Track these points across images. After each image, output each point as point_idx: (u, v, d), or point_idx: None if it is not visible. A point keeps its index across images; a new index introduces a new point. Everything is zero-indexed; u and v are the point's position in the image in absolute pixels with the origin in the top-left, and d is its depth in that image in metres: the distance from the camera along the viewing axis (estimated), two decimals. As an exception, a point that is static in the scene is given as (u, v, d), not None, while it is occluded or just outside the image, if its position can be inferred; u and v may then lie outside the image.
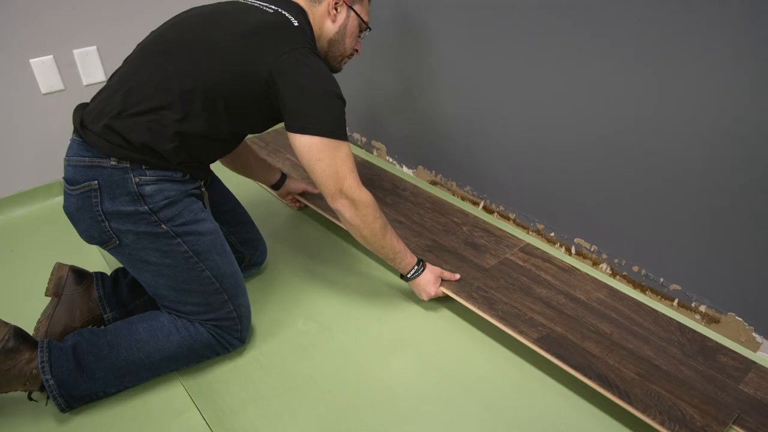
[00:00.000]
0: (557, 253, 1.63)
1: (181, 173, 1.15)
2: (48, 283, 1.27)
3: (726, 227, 1.24)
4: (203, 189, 1.24)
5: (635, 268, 1.47)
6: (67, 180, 1.12)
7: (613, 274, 1.53)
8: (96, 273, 1.31)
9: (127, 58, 1.19)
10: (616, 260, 1.51)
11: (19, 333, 1.10)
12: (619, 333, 1.32)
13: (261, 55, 1.10)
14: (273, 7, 1.17)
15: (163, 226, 1.12)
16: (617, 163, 1.38)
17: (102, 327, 1.24)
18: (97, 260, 1.60)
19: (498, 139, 1.66)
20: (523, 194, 1.68)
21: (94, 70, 1.85)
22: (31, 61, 1.72)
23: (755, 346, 1.29)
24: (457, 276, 1.42)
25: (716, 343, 1.31)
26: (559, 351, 1.24)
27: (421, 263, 1.37)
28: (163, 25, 1.21)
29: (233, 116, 1.15)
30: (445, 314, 1.42)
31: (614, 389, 1.15)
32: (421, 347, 1.32)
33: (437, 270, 1.40)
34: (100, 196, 1.09)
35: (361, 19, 1.30)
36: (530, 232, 1.71)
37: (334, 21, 1.25)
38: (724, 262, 1.28)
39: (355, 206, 1.18)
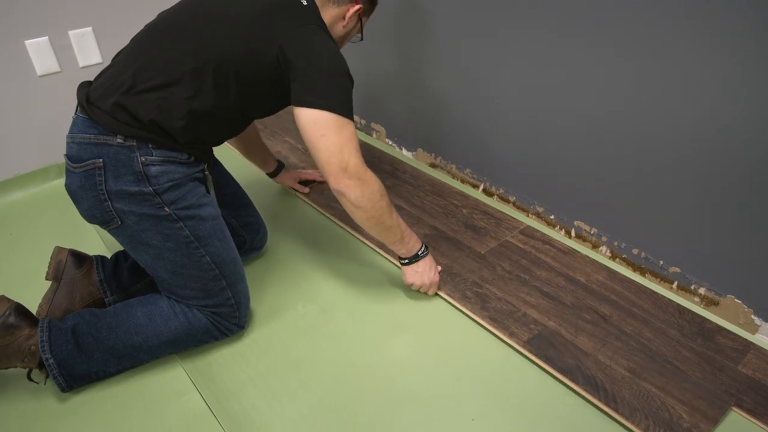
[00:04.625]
0: (557, 235, 1.62)
1: (186, 155, 1.14)
2: (48, 267, 1.27)
3: (726, 210, 1.24)
4: (206, 173, 1.23)
5: (635, 251, 1.47)
6: (70, 157, 1.10)
7: (613, 257, 1.53)
8: (96, 256, 1.31)
9: (135, 36, 1.17)
10: (615, 243, 1.51)
11: (20, 309, 1.11)
12: (618, 315, 1.33)
13: (272, 31, 1.10)
14: None
15: (166, 208, 1.11)
16: (617, 146, 1.37)
17: (98, 308, 1.24)
18: (97, 243, 1.60)
19: (498, 122, 1.65)
20: (523, 177, 1.67)
21: (90, 52, 1.83)
22: (26, 42, 1.70)
23: (754, 329, 1.29)
24: (439, 268, 1.43)
25: (715, 324, 1.31)
26: (549, 352, 1.23)
27: (425, 246, 1.35)
28: (173, 6, 1.19)
29: (243, 95, 1.14)
30: (444, 298, 1.43)
31: (601, 392, 1.14)
32: (420, 330, 1.33)
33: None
34: (105, 174, 1.07)
35: (361, 31, 1.35)
36: (530, 215, 1.71)
37: (344, 26, 1.27)
38: (723, 245, 1.28)
39: (361, 186, 1.14)
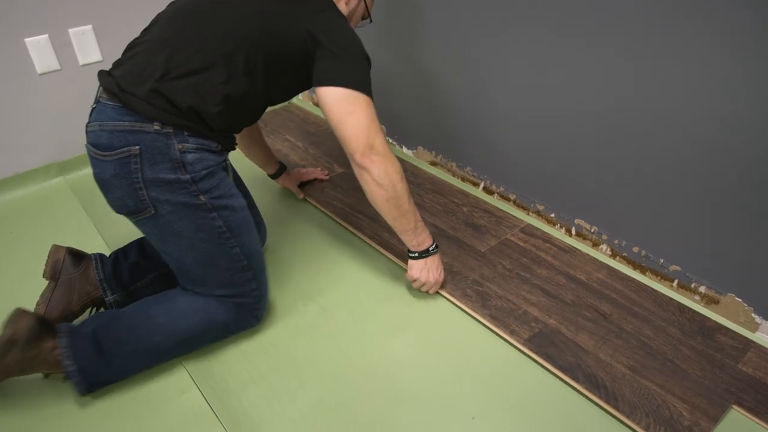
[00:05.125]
0: (557, 234, 1.62)
1: (215, 143, 1.14)
2: (44, 266, 1.25)
3: (726, 209, 1.24)
4: (229, 163, 1.24)
5: (635, 249, 1.47)
6: (98, 145, 1.07)
7: (613, 255, 1.53)
8: (94, 255, 1.30)
9: (156, 22, 1.16)
10: (616, 241, 1.51)
11: (41, 321, 1.09)
12: (618, 313, 1.33)
13: (297, 14, 1.12)
14: None
15: (201, 197, 1.10)
16: (618, 145, 1.37)
17: (115, 310, 1.23)
18: (97, 241, 1.60)
19: (499, 121, 1.65)
20: (524, 175, 1.67)
21: (90, 50, 1.83)
22: (27, 40, 1.70)
23: (754, 327, 1.29)
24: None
25: (715, 322, 1.31)
26: (549, 350, 1.24)
27: (436, 245, 1.35)
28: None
29: (268, 79, 1.15)
30: (444, 296, 1.42)
31: (602, 390, 1.14)
32: (420, 329, 1.33)
33: None
34: (141, 162, 1.05)
35: (368, 10, 1.34)
36: (530, 213, 1.71)
37: (347, 4, 1.26)
38: (723, 243, 1.28)
39: (385, 162, 1.16)
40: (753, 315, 1.29)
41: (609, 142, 1.39)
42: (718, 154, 1.20)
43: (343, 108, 1.12)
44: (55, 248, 1.27)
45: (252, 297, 1.23)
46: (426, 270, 1.34)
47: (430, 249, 1.33)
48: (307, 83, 1.20)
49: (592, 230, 1.55)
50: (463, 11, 1.58)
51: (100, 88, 1.12)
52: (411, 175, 1.88)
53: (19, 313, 1.07)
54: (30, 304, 1.29)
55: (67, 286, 1.23)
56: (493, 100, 1.63)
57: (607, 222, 1.51)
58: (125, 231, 1.63)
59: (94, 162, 1.09)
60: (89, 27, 1.80)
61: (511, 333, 1.28)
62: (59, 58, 1.79)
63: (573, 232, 1.61)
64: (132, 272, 1.31)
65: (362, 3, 1.32)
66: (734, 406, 1.12)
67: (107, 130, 1.06)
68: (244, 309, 1.24)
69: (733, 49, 1.10)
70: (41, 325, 1.08)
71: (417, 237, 1.30)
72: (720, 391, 1.14)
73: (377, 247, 1.57)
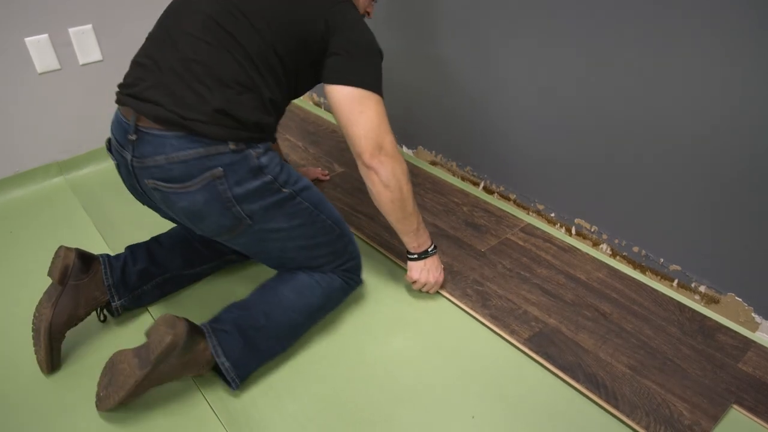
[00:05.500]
0: (558, 233, 1.62)
1: (271, 140, 1.14)
2: (51, 265, 1.22)
3: (726, 208, 1.24)
4: None
5: (635, 249, 1.47)
6: (174, 179, 1.03)
7: (614, 255, 1.53)
8: (102, 258, 1.27)
9: (172, 36, 1.07)
10: (616, 240, 1.50)
11: (192, 326, 1.09)
12: (618, 312, 1.33)
13: (314, 6, 1.10)
14: None
15: (284, 189, 1.11)
16: (618, 144, 1.37)
17: (239, 301, 1.22)
18: (96, 240, 1.60)
19: (498, 120, 1.65)
20: (524, 175, 1.67)
21: (90, 49, 1.83)
22: (27, 40, 1.70)
23: (754, 326, 1.29)
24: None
25: (715, 322, 1.31)
26: (549, 349, 1.24)
27: (435, 245, 1.36)
28: (189, 1, 1.13)
29: (299, 76, 1.15)
30: (445, 295, 1.42)
31: (602, 390, 1.15)
32: (420, 328, 1.33)
33: None
34: (228, 182, 1.04)
35: (369, 7, 1.30)
36: (530, 213, 1.71)
37: None
38: (723, 243, 1.28)
39: (393, 163, 1.16)
40: (753, 314, 1.29)
41: (609, 142, 1.39)
42: (718, 153, 1.20)
43: (354, 107, 1.11)
44: (65, 252, 1.22)
45: (353, 259, 1.29)
46: (426, 271, 1.35)
47: (429, 250, 1.34)
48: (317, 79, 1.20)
49: (592, 230, 1.55)
50: (464, 12, 1.58)
51: (135, 115, 1.03)
52: (411, 174, 1.87)
53: (173, 319, 1.05)
54: (30, 302, 1.29)
55: (74, 292, 1.21)
56: (493, 100, 1.63)
57: (607, 221, 1.51)
58: (125, 231, 1.63)
59: (176, 197, 1.05)
60: (89, 26, 1.80)
61: (512, 332, 1.28)
62: (59, 58, 1.79)
63: (573, 231, 1.61)
64: (140, 277, 1.30)
65: None
66: (734, 406, 1.12)
67: (179, 161, 1.02)
68: (351, 272, 1.30)
69: (733, 49, 1.10)
70: (193, 330, 1.09)
71: (418, 239, 1.31)
72: (720, 390, 1.14)
73: (377, 247, 1.57)
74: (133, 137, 1.03)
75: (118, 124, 1.09)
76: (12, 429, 1.10)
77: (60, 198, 1.80)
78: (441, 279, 1.37)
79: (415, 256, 1.34)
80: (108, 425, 1.10)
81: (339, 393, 1.17)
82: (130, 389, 1.04)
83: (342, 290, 1.29)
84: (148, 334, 1.05)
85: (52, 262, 1.22)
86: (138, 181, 1.09)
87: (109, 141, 1.17)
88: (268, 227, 1.13)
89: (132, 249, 1.32)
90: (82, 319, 1.23)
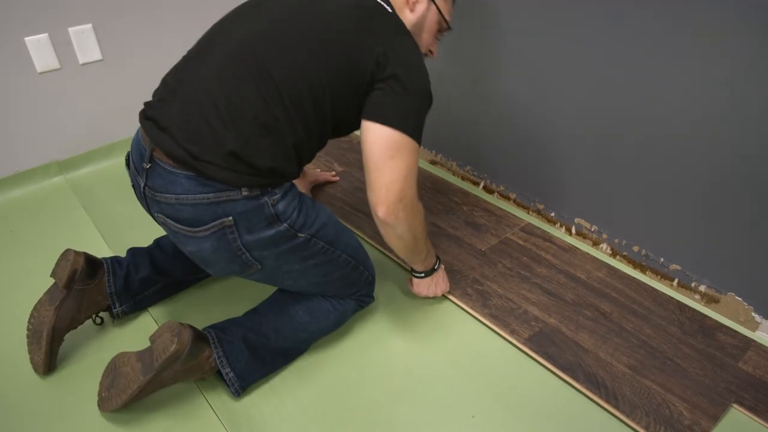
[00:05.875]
0: (558, 233, 1.62)
1: (292, 180, 1.07)
2: (57, 267, 1.19)
3: (726, 208, 1.24)
4: None
5: (635, 248, 1.47)
6: (182, 221, 1.00)
7: (614, 254, 1.53)
8: (106, 264, 1.26)
9: (204, 60, 1.02)
10: (616, 240, 1.50)
11: (197, 333, 1.09)
12: (619, 312, 1.33)
13: (372, 37, 1.02)
14: None
15: (299, 234, 1.05)
16: (618, 144, 1.37)
17: (250, 313, 1.22)
18: (96, 239, 1.60)
19: (498, 120, 1.65)
20: (524, 174, 1.67)
21: (90, 49, 1.82)
22: (26, 39, 1.70)
23: (754, 326, 1.29)
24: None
25: (715, 321, 1.31)
26: (550, 349, 1.24)
27: (439, 260, 1.34)
28: (231, 21, 1.07)
29: (334, 118, 1.06)
30: (445, 295, 1.42)
31: (602, 390, 1.15)
32: (420, 327, 1.33)
33: None
34: (238, 231, 0.99)
35: (442, 15, 1.18)
36: (531, 212, 1.71)
37: (412, 11, 1.14)
38: (723, 242, 1.28)
39: (411, 218, 1.09)
40: (753, 314, 1.29)
41: (609, 142, 1.39)
42: (719, 153, 1.20)
43: (385, 152, 1.01)
44: (74, 256, 1.19)
45: (368, 284, 1.27)
46: (433, 285, 1.34)
47: (435, 267, 1.33)
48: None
49: (592, 229, 1.55)
50: (463, 13, 1.57)
51: (151, 144, 1.01)
52: (411, 174, 1.88)
53: (178, 327, 1.04)
54: (30, 302, 1.29)
55: (79, 296, 1.20)
56: (492, 100, 1.63)
57: (607, 221, 1.51)
58: (125, 230, 1.63)
59: (184, 239, 1.03)
60: (89, 26, 1.80)
61: (512, 332, 1.28)
62: (59, 57, 1.78)
63: (573, 231, 1.61)
64: (142, 284, 1.30)
65: (432, 6, 1.16)
66: (734, 405, 1.12)
67: (188, 204, 0.98)
68: (364, 294, 1.28)
69: (733, 49, 1.10)
70: (198, 337, 1.08)
71: (424, 262, 1.29)
72: (720, 390, 1.14)
73: (378, 246, 1.57)
74: (147, 165, 1.01)
75: (137, 145, 1.05)
76: (12, 429, 1.10)
77: (60, 198, 1.80)
78: (447, 288, 1.37)
79: (422, 274, 1.32)
80: (108, 425, 1.10)
81: (339, 393, 1.17)
82: (133, 393, 1.04)
83: (354, 311, 1.29)
84: (152, 339, 1.05)
85: (59, 265, 1.19)
86: (149, 208, 1.07)
87: (128, 156, 1.12)
88: (280, 270, 1.10)
89: (134, 254, 1.31)
90: (81, 323, 1.23)
